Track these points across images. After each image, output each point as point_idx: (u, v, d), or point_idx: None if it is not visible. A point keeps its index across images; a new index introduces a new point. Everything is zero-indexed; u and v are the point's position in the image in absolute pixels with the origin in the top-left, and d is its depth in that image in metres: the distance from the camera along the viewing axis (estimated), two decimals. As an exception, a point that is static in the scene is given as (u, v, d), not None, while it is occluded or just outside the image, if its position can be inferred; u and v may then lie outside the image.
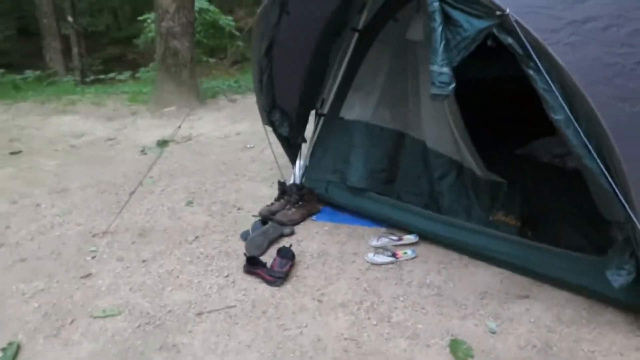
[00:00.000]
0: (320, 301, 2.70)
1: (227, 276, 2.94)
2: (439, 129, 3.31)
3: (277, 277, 2.85)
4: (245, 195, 3.91)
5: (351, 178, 3.38)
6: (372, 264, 3.00)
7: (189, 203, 3.82)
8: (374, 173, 3.39)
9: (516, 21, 2.01)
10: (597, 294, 2.56)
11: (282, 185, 3.61)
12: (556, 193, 3.46)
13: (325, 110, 3.59)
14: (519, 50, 2.06)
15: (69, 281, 2.92)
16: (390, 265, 2.97)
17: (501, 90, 4.35)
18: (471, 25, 2.12)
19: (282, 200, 3.55)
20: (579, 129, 2.07)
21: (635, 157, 2.09)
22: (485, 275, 2.85)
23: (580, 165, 2.14)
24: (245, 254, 3.07)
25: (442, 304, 2.64)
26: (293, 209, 3.46)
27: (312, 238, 3.29)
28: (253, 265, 2.94)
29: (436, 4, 2.15)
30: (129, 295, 2.77)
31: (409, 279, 2.86)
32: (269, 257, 3.04)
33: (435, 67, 2.15)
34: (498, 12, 2.06)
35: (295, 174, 3.75)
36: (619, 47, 2.18)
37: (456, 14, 2.15)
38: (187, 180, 4.19)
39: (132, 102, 6.37)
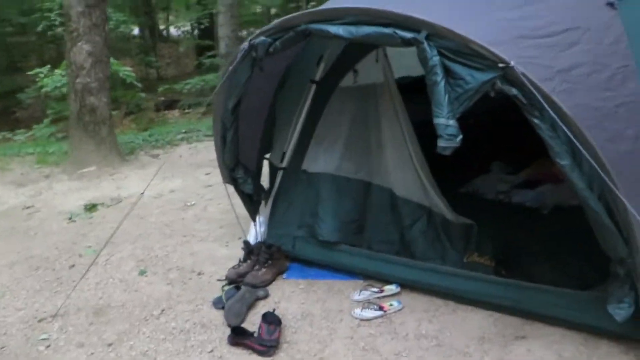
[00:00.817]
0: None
1: (212, 351, 2.71)
2: (406, 176, 3.33)
3: (269, 345, 2.66)
4: (201, 258, 3.67)
5: (322, 232, 3.29)
6: (361, 319, 2.90)
7: (142, 272, 3.52)
8: (344, 225, 3.32)
9: (522, 73, 2.06)
10: (589, 327, 2.63)
11: (247, 244, 3.43)
12: (516, 230, 3.57)
13: (285, 163, 3.49)
14: (524, 100, 2.12)
15: (29, 379, 2.55)
16: (380, 320, 2.89)
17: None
18: (473, 78, 2.15)
19: (249, 261, 3.36)
20: (581, 174, 2.14)
21: (630, 194, 2.19)
22: (476, 319, 2.84)
23: (584, 205, 2.21)
24: (229, 325, 2.85)
25: (447, 354, 2.60)
26: (263, 269, 3.29)
27: (290, 298, 3.14)
28: (239, 335, 2.74)
29: (436, 59, 2.17)
30: (107, 388, 2.46)
31: (403, 332, 2.79)
32: (250, 324, 2.85)
33: (441, 120, 2.15)
34: (501, 65, 2.10)
35: (256, 231, 3.59)
36: (602, 91, 2.31)
37: (457, 68, 2.18)
38: (131, 247, 3.87)
39: (41, 164, 5.86)
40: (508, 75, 2.11)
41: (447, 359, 2.57)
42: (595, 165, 2.05)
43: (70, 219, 4.45)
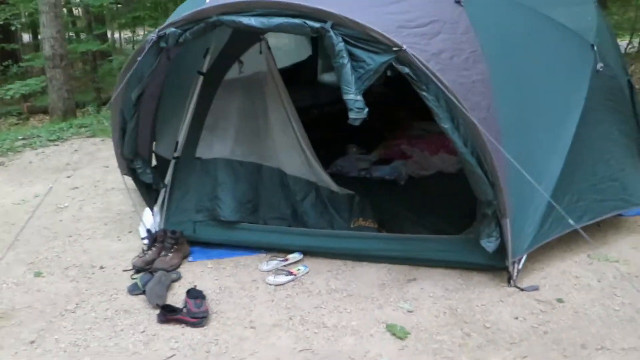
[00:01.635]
0: (254, 327, 2.83)
1: (144, 331, 2.83)
2: (293, 156, 3.71)
3: (201, 317, 2.86)
4: (97, 254, 3.66)
5: (223, 213, 3.52)
6: (276, 285, 3.21)
7: (38, 274, 3.43)
8: (241, 205, 3.58)
9: (413, 55, 2.56)
10: (463, 264, 3.25)
11: (150, 232, 3.53)
12: (385, 198, 4.14)
13: (178, 152, 3.65)
14: (414, 77, 2.62)
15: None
16: (292, 283, 3.23)
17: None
18: (373, 60, 2.60)
19: (153, 249, 3.47)
20: (459, 134, 2.71)
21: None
22: (373, 272, 3.32)
23: (462, 160, 2.78)
24: (155, 306, 2.97)
25: (357, 301, 3.03)
26: (170, 254, 3.43)
27: (202, 277, 3.33)
28: (170, 312, 2.89)
29: (342, 44, 2.58)
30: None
31: (315, 289, 3.16)
32: (172, 304, 3.01)
33: (351, 96, 2.56)
34: (395, 48, 2.58)
35: (154, 220, 3.68)
36: (462, 71, 2.90)
37: (359, 52, 2.61)
38: (14, 253, 3.69)
39: None
40: (401, 57, 2.60)
41: (359, 304, 2.99)
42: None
43: None
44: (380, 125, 5.84)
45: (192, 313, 2.86)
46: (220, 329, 2.82)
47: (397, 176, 4.71)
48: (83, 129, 6.97)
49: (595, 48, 3.57)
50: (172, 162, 3.64)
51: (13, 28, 12.42)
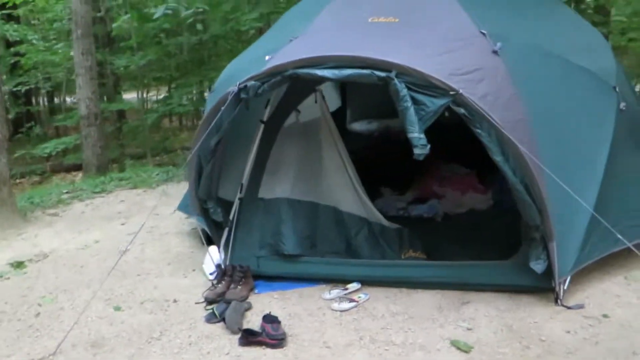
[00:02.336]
0: (329, 347, 3.10)
1: (228, 353, 3.09)
2: (347, 194, 4.06)
3: (280, 338, 3.13)
4: (167, 289, 3.94)
5: (286, 247, 3.83)
6: (341, 311, 3.49)
7: (117, 308, 3.71)
8: (302, 240, 3.90)
9: (468, 97, 2.94)
10: (511, 287, 3.54)
11: (220, 267, 3.83)
12: (427, 233, 4.45)
13: (243, 194, 3.99)
14: (469, 116, 3.00)
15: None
16: (356, 309, 3.51)
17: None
18: (433, 103, 2.98)
19: (223, 282, 3.77)
20: (509, 165, 3.07)
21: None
22: (428, 297, 3.60)
23: (512, 188, 3.12)
24: (233, 332, 3.25)
25: (419, 322, 3.30)
26: (239, 287, 3.72)
27: (271, 306, 3.60)
28: (251, 335, 3.16)
29: (405, 91, 2.96)
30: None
31: (379, 313, 3.44)
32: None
33: (415, 134, 2.93)
34: (452, 92, 2.97)
35: (219, 256, 3.98)
36: (505, 111, 3.26)
37: (419, 97, 2.99)
38: (89, 291, 3.99)
39: None
40: (457, 99, 2.98)
41: (421, 324, 3.27)
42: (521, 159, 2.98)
43: (1, 277, 4.36)
44: (410, 168, 6.21)
45: (271, 335, 3.13)
46: (298, 349, 3.09)
47: (434, 214, 5.04)
48: (124, 182, 7.34)
49: (617, 89, 3.97)
50: (237, 202, 3.97)
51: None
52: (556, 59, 3.86)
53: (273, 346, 3.10)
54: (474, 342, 3.05)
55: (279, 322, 3.24)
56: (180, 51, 10.21)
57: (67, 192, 7.00)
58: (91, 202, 6.48)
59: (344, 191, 4.03)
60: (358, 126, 6.80)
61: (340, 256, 3.96)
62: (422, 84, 3.00)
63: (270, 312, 3.37)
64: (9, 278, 4.34)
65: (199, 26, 8.55)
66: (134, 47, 9.85)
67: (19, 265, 4.54)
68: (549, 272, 3.35)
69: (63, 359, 3.14)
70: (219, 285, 3.76)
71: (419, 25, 3.76)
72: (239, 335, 3.21)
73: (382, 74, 2.99)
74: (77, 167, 11.29)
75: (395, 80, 2.96)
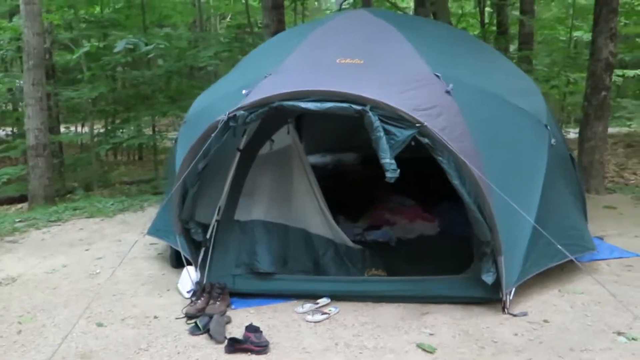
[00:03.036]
0: (308, 352, 3.42)
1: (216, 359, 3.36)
2: (315, 217, 4.43)
3: (264, 345, 3.43)
4: (146, 307, 4.13)
5: (261, 265, 4.14)
6: (315, 322, 3.82)
7: (100, 324, 3.87)
8: (275, 259, 4.23)
9: (432, 129, 3.42)
10: (464, 299, 3.99)
11: (200, 284, 4.08)
12: (384, 254, 4.87)
13: (219, 216, 4.29)
14: (432, 145, 3.47)
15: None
16: (328, 320, 3.84)
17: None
18: (401, 133, 3.44)
19: (202, 299, 4.02)
20: (465, 188, 3.55)
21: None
22: (392, 308, 3.99)
23: (467, 207, 3.59)
24: (219, 341, 3.51)
25: (386, 330, 3.67)
26: (218, 302, 3.99)
27: (248, 319, 3.85)
28: (236, 343, 3.44)
29: (378, 122, 3.41)
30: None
31: (349, 323, 3.79)
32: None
33: (387, 160, 3.36)
34: (418, 125, 3.44)
35: (196, 275, 4.22)
36: (459, 142, 3.76)
37: (390, 127, 3.44)
38: (68, 310, 4.12)
39: None
40: (422, 130, 3.45)
41: (388, 332, 3.65)
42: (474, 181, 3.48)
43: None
44: (361, 199, 6.68)
45: (255, 343, 3.42)
46: (281, 354, 3.39)
47: (388, 238, 5.49)
48: (78, 211, 7.39)
49: (549, 127, 4.60)
50: (214, 224, 4.25)
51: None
52: (497, 99, 4.44)
53: (258, 352, 3.39)
54: (437, 344, 3.46)
55: (261, 332, 3.53)
56: (128, 85, 10.39)
57: (20, 221, 6.98)
58: (48, 230, 6.51)
59: (312, 214, 4.40)
60: (313, 159, 7.22)
61: (309, 274, 4.31)
62: (392, 117, 3.46)
63: (251, 323, 3.65)
64: (-24, 300, 4.39)
65: (160, 61, 8.82)
66: (84, 80, 9.93)
67: (-12, 288, 4.58)
68: (495, 285, 3.83)
69: (55, 372, 3.28)
70: (198, 301, 4.00)
71: (382, 66, 4.24)
72: (224, 344, 3.47)
73: (359, 107, 3.44)
74: (17, 199, 11.06)
75: (370, 113, 3.41)
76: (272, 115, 3.96)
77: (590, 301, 4.06)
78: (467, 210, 3.63)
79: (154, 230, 5.09)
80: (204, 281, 4.19)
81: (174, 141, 5.17)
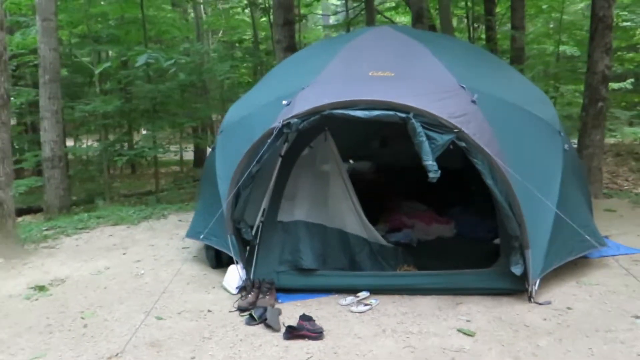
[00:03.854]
0: (360, 337, 3.75)
1: (277, 345, 3.67)
2: (351, 219, 4.78)
3: (319, 332, 3.76)
4: (197, 303, 4.43)
5: (305, 262, 4.47)
6: (359, 312, 4.16)
7: (159, 318, 4.16)
8: (317, 256, 4.57)
9: (468, 134, 3.81)
10: (493, 290, 4.36)
11: (251, 280, 4.40)
12: (409, 254, 5.23)
13: (264, 218, 4.63)
14: (469, 149, 3.86)
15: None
16: (370, 311, 4.19)
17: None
18: (441, 138, 3.82)
19: (252, 294, 4.34)
20: (497, 187, 3.94)
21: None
22: (427, 300, 4.34)
23: (499, 205, 3.98)
24: (277, 329, 3.84)
25: (427, 318, 4.02)
26: (267, 297, 4.31)
27: (298, 311, 4.17)
28: (294, 330, 3.77)
29: (420, 128, 3.79)
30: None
31: (391, 313, 4.14)
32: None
33: (429, 162, 3.74)
34: (456, 130, 3.83)
35: (242, 272, 4.54)
36: (488, 146, 4.16)
37: (431, 133, 3.83)
38: (124, 306, 4.41)
39: None
40: (459, 135, 3.84)
41: (429, 319, 3.99)
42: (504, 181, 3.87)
43: (28, 298, 4.67)
44: (375, 204, 7.05)
45: (311, 329, 3.75)
46: (335, 340, 3.72)
47: (409, 240, 5.85)
48: (102, 219, 7.66)
49: (562, 134, 5.02)
50: (260, 225, 4.59)
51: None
52: (516, 108, 4.85)
53: (314, 338, 3.71)
54: (475, 329, 3.82)
55: (314, 320, 3.87)
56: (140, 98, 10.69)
57: (47, 229, 7.23)
58: (79, 236, 6.78)
59: (348, 215, 4.75)
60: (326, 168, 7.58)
61: (344, 271, 4.65)
62: (433, 123, 3.85)
63: (304, 313, 3.97)
64: (37, 299, 4.66)
65: (182, 75, 9.15)
66: (97, 92, 10.23)
67: (41, 288, 4.85)
68: (521, 277, 4.21)
69: (130, 357, 3.58)
70: (249, 296, 4.32)
71: (411, 78, 4.65)
72: (282, 331, 3.80)
73: (403, 115, 3.82)
74: (25, 211, 11.24)
75: (413, 120, 3.79)
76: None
77: (606, 291, 4.45)
78: (497, 208, 4.02)
79: (194, 233, 5.39)
80: (250, 278, 4.50)
81: (211, 149, 5.49)
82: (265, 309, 4.06)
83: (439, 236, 6.16)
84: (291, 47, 9.04)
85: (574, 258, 4.68)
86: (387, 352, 3.53)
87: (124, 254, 5.93)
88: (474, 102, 4.44)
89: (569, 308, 4.13)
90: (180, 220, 7.54)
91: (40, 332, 4.01)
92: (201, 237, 5.14)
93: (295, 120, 3.99)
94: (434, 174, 3.74)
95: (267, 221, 4.61)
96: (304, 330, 3.75)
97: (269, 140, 4.05)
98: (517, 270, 4.11)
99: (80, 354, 3.65)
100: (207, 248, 5.38)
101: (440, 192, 6.02)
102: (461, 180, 6.55)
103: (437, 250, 5.50)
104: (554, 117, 5.27)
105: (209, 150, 9.02)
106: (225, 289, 4.66)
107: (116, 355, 3.60)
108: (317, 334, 3.73)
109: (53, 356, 3.64)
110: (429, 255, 5.26)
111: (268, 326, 3.92)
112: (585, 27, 12.38)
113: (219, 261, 5.23)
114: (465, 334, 3.76)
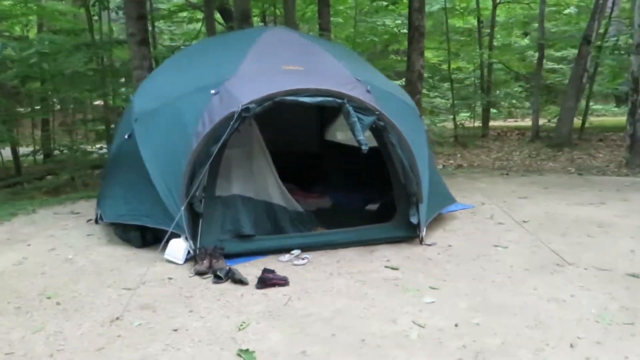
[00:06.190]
0: (317, 280, 4.65)
1: (254, 294, 4.38)
2: (275, 190, 5.62)
3: (285, 279, 4.56)
4: (151, 275, 4.79)
5: (245, 229, 5.18)
6: (301, 265, 5.04)
7: (128, 289, 4.51)
8: (253, 224, 5.32)
9: (385, 115, 4.95)
10: (394, 238, 5.58)
11: (204, 248, 4.96)
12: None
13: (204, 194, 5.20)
14: (385, 126, 5.00)
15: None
16: (309, 263, 5.09)
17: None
18: (367, 119, 4.89)
19: (205, 260, 4.92)
20: (404, 154, 5.16)
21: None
22: (347, 251, 5.34)
23: (403, 169, 5.20)
24: (246, 283, 4.53)
25: (357, 263, 5.05)
26: (220, 261, 4.94)
27: (248, 270, 4.87)
28: (266, 280, 4.51)
29: (353, 111, 4.82)
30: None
31: (326, 262, 5.07)
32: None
33: (361, 138, 4.79)
34: (377, 112, 4.94)
35: (186, 244, 5.06)
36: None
37: (359, 115, 4.88)
38: (82, 284, 4.60)
39: None
40: (380, 116, 4.95)
41: (360, 264, 5.00)
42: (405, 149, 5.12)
43: None
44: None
45: (278, 277, 4.54)
46: (298, 284, 4.54)
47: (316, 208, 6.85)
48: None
49: (421, 117, 6.48)
50: (197, 200, 5.15)
51: None
52: (392, 95, 6.16)
53: (283, 285, 4.50)
54: (396, 265, 4.98)
55: (275, 272, 4.65)
56: None
57: None
58: None
59: (273, 188, 5.57)
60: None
61: (270, 234, 5.48)
62: (360, 107, 4.90)
63: (265, 267, 4.71)
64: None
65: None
66: None
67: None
68: (412, 227, 5.50)
69: (132, 318, 3.97)
70: (203, 262, 4.89)
71: (318, 72, 5.63)
72: (254, 283, 4.51)
73: (340, 100, 4.80)
74: None
75: (347, 104, 4.80)
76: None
77: (466, 233, 6.00)
78: (400, 171, 5.22)
79: (115, 216, 5.68)
80: (197, 247, 5.06)
81: (127, 136, 5.78)
82: (229, 269, 4.70)
83: (317, 207, 7.22)
84: (145, 41, 9.31)
85: (441, 212, 6.14)
86: (345, 286, 4.49)
87: (29, 245, 5.87)
88: (368, 91, 5.59)
89: (449, 245, 5.54)
90: (55, 214, 7.45)
91: (15, 314, 4.08)
92: (128, 218, 5.49)
93: (253, 105, 4.69)
94: (365, 147, 4.79)
95: (207, 196, 5.19)
96: (272, 280, 4.51)
97: (231, 123, 4.68)
98: (414, 220, 5.39)
99: (79, 322, 3.90)
100: (127, 229, 5.70)
101: (301, 173, 7.21)
102: (318, 162, 7.81)
103: (329, 216, 6.56)
104: (413, 104, 6.71)
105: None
106: (170, 261, 5.11)
107: (117, 318, 3.95)
108: (284, 281, 4.52)
109: (53, 327, 3.84)
110: (326, 220, 6.29)
111: (237, 281, 4.57)
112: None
113: (145, 240, 5.61)
114: (392, 268, 4.89)
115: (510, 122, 21.97)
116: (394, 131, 5.07)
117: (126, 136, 5.72)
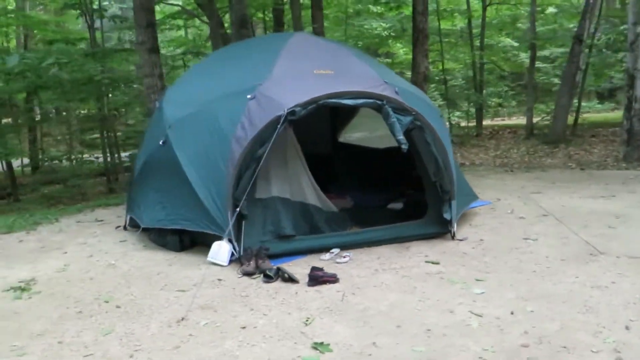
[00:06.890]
0: (363, 277, 4.81)
1: (307, 291, 4.52)
2: (310, 191, 5.75)
3: (335, 276, 4.70)
4: (199, 277, 4.94)
5: (287, 230, 5.32)
6: (344, 263, 5.18)
7: (182, 290, 4.64)
8: (293, 225, 5.45)
9: (422, 116, 5.13)
10: (429, 234, 5.76)
11: (249, 249, 5.07)
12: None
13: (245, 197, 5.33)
14: (422, 126, 5.17)
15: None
16: (351, 261, 5.24)
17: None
18: (405, 119, 5.07)
19: (252, 261, 5.05)
20: (439, 154, 5.35)
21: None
22: (384, 249, 5.51)
23: (438, 167, 5.38)
24: (297, 281, 4.67)
25: (396, 259, 5.21)
26: (266, 261, 5.08)
27: (293, 269, 5.01)
28: (317, 277, 4.65)
29: (392, 112, 4.99)
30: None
31: (367, 259, 5.23)
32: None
33: (400, 138, 4.96)
34: (414, 113, 5.12)
35: (229, 246, 5.18)
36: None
37: (398, 116, 5.05)
38: (134, 288, 4.71)
39: None
40: (417, 117, 5.13)
41: (399, 260, 5.17)
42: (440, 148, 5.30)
43: (19, 298, 4.61)
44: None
45: (329, 275, 4.67)
46: (348, 280, 4.69)
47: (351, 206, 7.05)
48: None
49: (442, 116, 6.68)
50: (244, 203, 5.27)
51: None
52: (415, 95, 6.33)
53: (333, 282, 4.64)
54: (436, 260, 5.16)
55: (324, 269, 4.79)
56: None
57: None
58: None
59: (308, 190, 5.71)
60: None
61: (307, 234, 5.62)
62: (398, 108, 5.07)
63: (313, 266, 4.85)
64: (30, 297, 4.62)
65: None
66: None
67: (22, 289, 4.79)
68: (443, 223, 5.69)
69: (196, 318, 4.08)
70: (250, 262, 5.01)
71: (348, 75, 5.79)
72: (305, 281, 4.65)
73: (379, 102, 4.96)
74: None
75: (386, 106, 4.97)
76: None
77: (492, 228, 6.20)
78: (434, 169, 5.40)
79: (154, 222, 5.76)
80: (240, 249, 5.18)
81: (161, 142, 5.88)
82: (278, 268, 4.83)
83: (342, 208, 7.37)
84: (155, 49, 9.40)
85: (468, 209, 6.34)
86: (392, 281, 4.65)
87: (65, 252, 5.93)
88: (397, 92, 5.77)
89: (481, 240, 5.73)
90: (79, 222, 7.50)
91: (79, 318, 4.17)
92: (167, 222, 5.60)
93: (299, 108, 4.84)
94: (405, 146, 4.96)
95: (248, 199, 5.31)
96: (323, 277, 4.66)
97: (278, 126, 4.81)
98: (447, 216, 5.57)
99: (146, 323, 4.01)
100: (163, 234, 5.80)
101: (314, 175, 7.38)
102: (331, 163, 7.98)
103: (355, 216, 6.71)
104: (434, 105, 6.91)
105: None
106: (215, 264, 5.22)
107: (182, 319, 4.07)
108: (334, 279, 4.67)
109: (122, 329, 3.94)
110: (354, 220, 6.45)
111: (287, 280, 4.70)
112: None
113: (182, 244, 5.72)
114: (433, 263, 5.06)
115: (499, 121, 22.34)
116: (429, 131, 5.25)
117: (160, 142, 5.81)
